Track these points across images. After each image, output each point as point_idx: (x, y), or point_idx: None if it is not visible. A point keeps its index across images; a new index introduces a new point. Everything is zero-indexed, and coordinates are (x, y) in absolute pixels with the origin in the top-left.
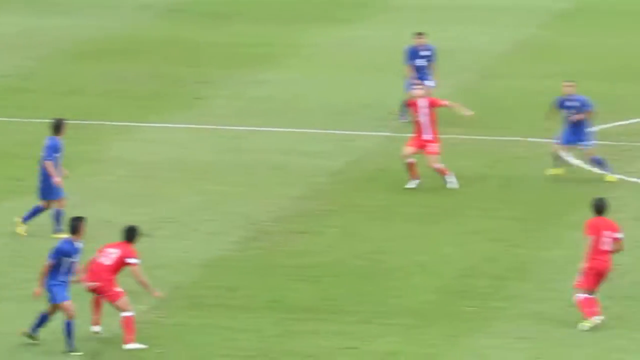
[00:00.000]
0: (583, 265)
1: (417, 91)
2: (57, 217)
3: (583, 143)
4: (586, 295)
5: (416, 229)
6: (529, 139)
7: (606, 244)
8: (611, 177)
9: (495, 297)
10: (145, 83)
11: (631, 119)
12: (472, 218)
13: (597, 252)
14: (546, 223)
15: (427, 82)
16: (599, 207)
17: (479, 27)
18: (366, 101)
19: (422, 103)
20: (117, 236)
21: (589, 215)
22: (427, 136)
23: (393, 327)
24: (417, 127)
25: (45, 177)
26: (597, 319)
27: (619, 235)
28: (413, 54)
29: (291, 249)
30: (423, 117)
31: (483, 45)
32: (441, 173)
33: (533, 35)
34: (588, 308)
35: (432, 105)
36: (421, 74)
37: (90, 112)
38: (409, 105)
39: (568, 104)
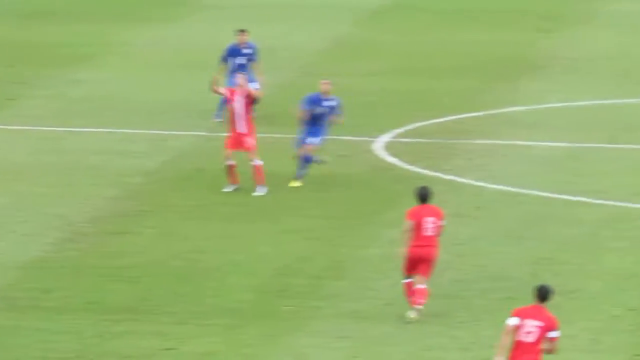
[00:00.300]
0: (403, 250)
1: (238, 79)
2: None
3: (312, 140)
4: (409, 280)
5: (232, 228)
6: (345, 137)
7: (429, 230)
8: (295, 182)
9: (313, 296)
10: None
11: (447, 116)
12: (288, 217)
13: (418, 237)
14: (362, 222)
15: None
16: (423, 196)
17: (297, 25)
18: (182, 100)
19: (239, 94)
20: None
21: (404, 214)
22: (241, 129)
23: (211, 327)
24: (232, 119)
25: None
26: (417, 308)
27: (442, 222)
28: (234, 51)
29: (108, 249)
30: (239, 108)
31: (302, 43)
32: (258, 173)
33: (350, 32)
34: (409, 296)
35: (248, 97)
36: (241, 72)
37: None
38: (227, 97)
39: (325, 103)
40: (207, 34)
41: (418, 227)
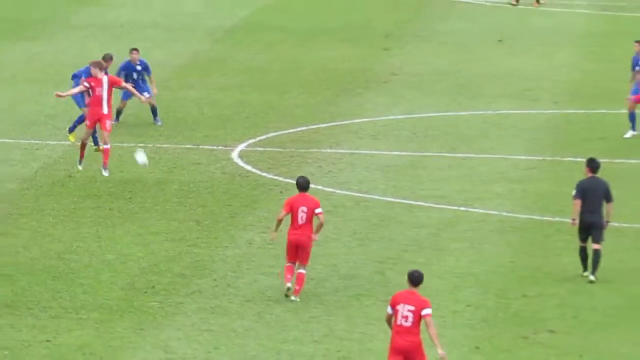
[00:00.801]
0: (274, 235)
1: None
2: None
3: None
4: (289, 264)
5: (102, 230)
6: (204, 147)
7: (303, 219)
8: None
9: (178, 293)
10: None
11: (298, 127)
12: (153, 220)
13: (293, 225)
14: (221, 224)
15: (144, 93)
16: (301, 185)
17: (157, 44)
18: (52, 112)
19: (104, 80)
20: None
21: (261, 218)
22: (103, 110)
23: (84, 321)
24: (96, 101)
25: None
26: (288, 284)
27: (318, 210)
28: (128, 67)
29: None
30: (104, 93)
31: (161, 60)
32: (104, 155)
33: (206, 50)
34: (286, 274)
35: (113, 83)
36: (137, 87)
37: None
38: (92, 85)
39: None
40: (75, 51)
41: (293, 216)
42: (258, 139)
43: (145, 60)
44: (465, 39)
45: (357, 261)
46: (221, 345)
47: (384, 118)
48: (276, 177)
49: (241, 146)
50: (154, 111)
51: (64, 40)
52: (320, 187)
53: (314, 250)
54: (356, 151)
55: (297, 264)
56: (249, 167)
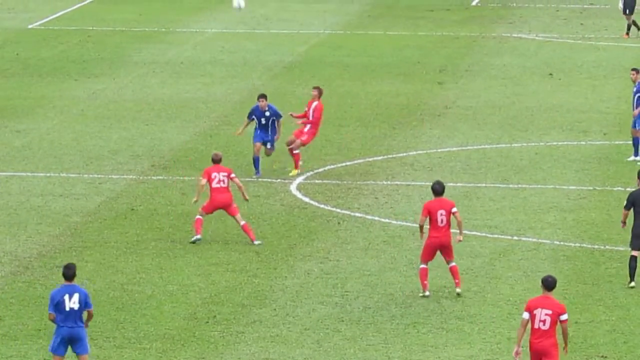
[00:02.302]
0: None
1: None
2: None
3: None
4: (424, 267)
5: (164, 262)
6: (263, 180)
7: (442, 221)
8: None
9: (238, 323)
10: None
11: (354, 160)
12: (214, 251)
13: (435, 228)
14: (280, 255)
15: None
16: (437, 189)
17: (217, 79)
18: (115, 147)
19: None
20: None
21: (319, 248)
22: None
23: (147, 351)
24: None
25: None
26: (427, 293)
27: (454, 209)
28: (257, 112)
29: (52, 282)
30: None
31: (220, 95)
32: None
33: (265, 85)
34: (423, 280)
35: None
36: (263, 132)
37: None
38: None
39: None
40: (136, 87)
41: (433, 219)
42: (316, 171)
43: (274, 106)
44: (516, 73)
45: (414, 290)
46: None
47: (439, 150)
48: (333, 209)
49: (299, 179)
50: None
51: (125, 77)
52: (376, 218)
53: (371, 279)
54: (412, 183)
55: (446, 261)
56: (306, 199)
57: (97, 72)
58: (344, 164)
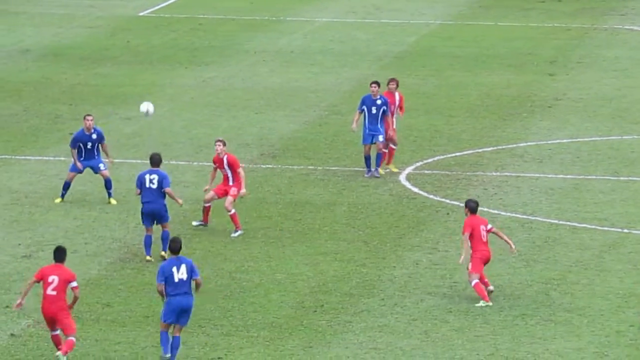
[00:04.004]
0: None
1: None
2: None
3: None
4: (477, 281)
5: (273, 250)
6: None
7: (484, 237)
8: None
9: (346, 312)
10: (25, 120)
11: (464, 151)
12: (322, 241)
13: (481, 242)
14: (389, 245)
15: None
16: (472, 207)
17: (326, 69)
18: (223, 135)
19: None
20: (3, 256)
21: (428, 239)
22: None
23: (254, 339)
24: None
25: None
26: (489, 304)
27: (489, 226)
28: (367, 101)
29: None
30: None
31: (330, 85)
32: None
33: (375, 75)
34: (482, 292)
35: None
36: (372, 124)
37: None
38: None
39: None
40: (245, 76)
41: (477, 235)
42: (425, 162)
43: (385, 98)
44: (628, 65)
45: (522, 282)
46: None
47: (549, 142)
48: (442, 200)
49: (409, 169)
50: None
51: (235, 65)
52: (485, 209)
53: None
54: (521, 174)
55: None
56: (416, 190)
57: (208, 60)
58: (453, 155)
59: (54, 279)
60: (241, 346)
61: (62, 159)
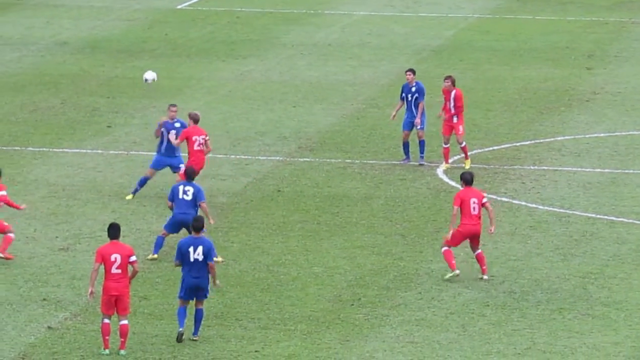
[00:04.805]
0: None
1: None
2: None
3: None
4: (447, 248)
5: (310, 244)
6: (412, 163)
7: (475, 209)
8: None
9: (383, 306)
10: (63, 112)
11: (501, 144)
12: (359, 234)
13: (468, 216)
14: (426, 239)
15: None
16: (468, 179)
17: (364, 62)
18: (262, 129)
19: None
20: (41, 249)
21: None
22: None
23: (291, 332)
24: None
25: None
26: (457, 271)
27: (485, 200)
28: (404, 89)
29: None
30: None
31: (367, 78)
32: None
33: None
34: (451, 260)
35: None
36: (409, 110)
37: (11, 139)
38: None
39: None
40: (283, 69)
41: (466, 208)
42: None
43: (422, 84)
44: None
45: (560, 275)
46: (425, 357)
47: (586, 136)
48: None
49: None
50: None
51: (273, 58)
52: (523, 202)
53: (516, 264)
54: (559, 168)
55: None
56: (453, 183)
57: (245, 54)
58: (490, 149)
59: (116, 257)
60: (278, 339)
61: (100, 151)
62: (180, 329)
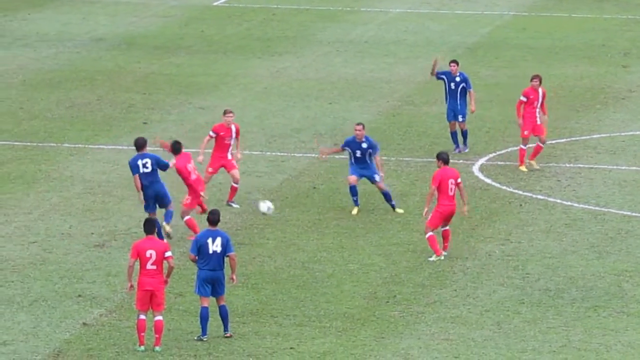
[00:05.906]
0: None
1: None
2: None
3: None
4: (432, 234)
5: (345, 241)
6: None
7: (452, 190)
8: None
9: (418, 303)
10: (99, 109)
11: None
12: (395, 231)
13: (446, 197)
14: (462, 236)
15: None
16: (444, 158)
17: (400, 59)
18: (297, 126)
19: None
20: (76, 245)
21: (500, 230)
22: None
23: (326, 329)
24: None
25: None
26: (444, 253)
27: (459, 180)
28: (448, 76)
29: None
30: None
31: (403, 75)
32: None
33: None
34: (436, 244)
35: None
36: (454, 100)
37: (47, 135)
38: None
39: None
40: (319, 66)
41: (444, 189)
42: (498, 153)
43: (466, 75)
44: None
45: (595, 273)
46: (460, 354)
47: (622, 134)
48: (515, 191)
49: (482, 160)
50: (464, 135)
51: (309, 55)
52: (558, 200)
53: (552, 262)
54: (594, 166)
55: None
56: (488, 181)
57: (281, 50)
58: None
59: (151, 253)
60: (313, 336)
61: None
62: (204, 337)
